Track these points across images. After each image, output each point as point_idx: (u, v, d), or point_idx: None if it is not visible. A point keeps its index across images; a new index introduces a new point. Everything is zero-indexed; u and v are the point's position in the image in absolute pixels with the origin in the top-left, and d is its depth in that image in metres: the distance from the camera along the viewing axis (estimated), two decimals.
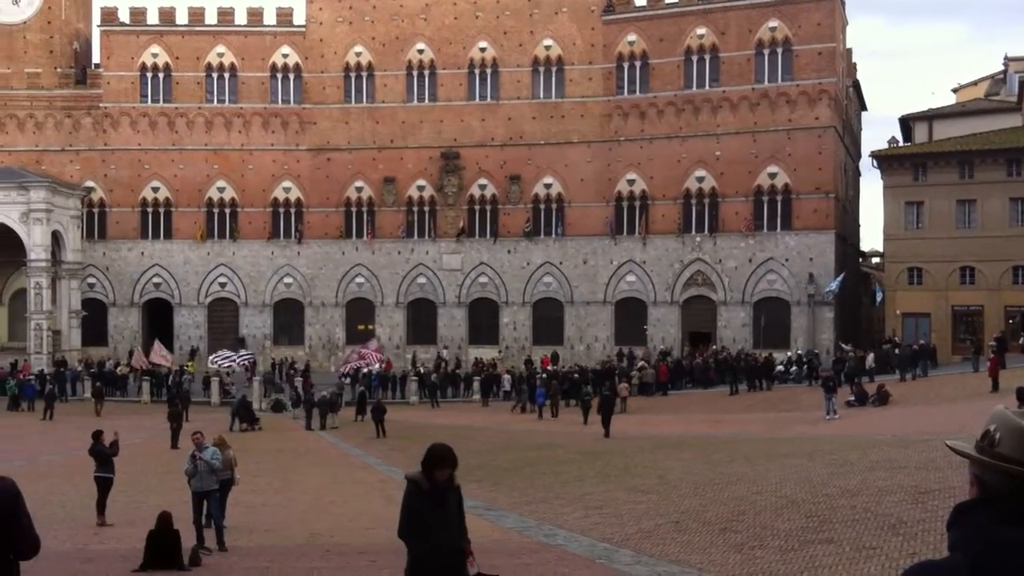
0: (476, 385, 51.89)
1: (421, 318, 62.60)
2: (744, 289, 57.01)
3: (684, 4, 58.33)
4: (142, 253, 63.23)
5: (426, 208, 62.09)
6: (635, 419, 38.71)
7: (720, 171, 57.31)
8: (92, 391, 48.61)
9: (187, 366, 57.30)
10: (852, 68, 64.31)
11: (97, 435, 19.12)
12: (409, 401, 51.24)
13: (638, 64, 59.09)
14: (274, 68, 62.71)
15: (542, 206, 60.84)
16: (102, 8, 63.59)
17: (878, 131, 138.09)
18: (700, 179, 57.81)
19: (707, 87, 57.71)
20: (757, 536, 13.90)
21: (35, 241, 56.20)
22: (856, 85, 66.61)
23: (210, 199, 63.02)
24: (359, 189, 62.41)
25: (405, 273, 62.15)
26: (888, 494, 15.69)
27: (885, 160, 55.38)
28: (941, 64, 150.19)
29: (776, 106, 56.33)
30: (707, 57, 57.70)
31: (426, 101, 61.93)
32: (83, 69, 64.49)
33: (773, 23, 56.11)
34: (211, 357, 54.09)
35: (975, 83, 68.63)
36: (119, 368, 56.46)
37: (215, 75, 62.90)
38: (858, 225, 71.64)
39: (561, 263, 60.41)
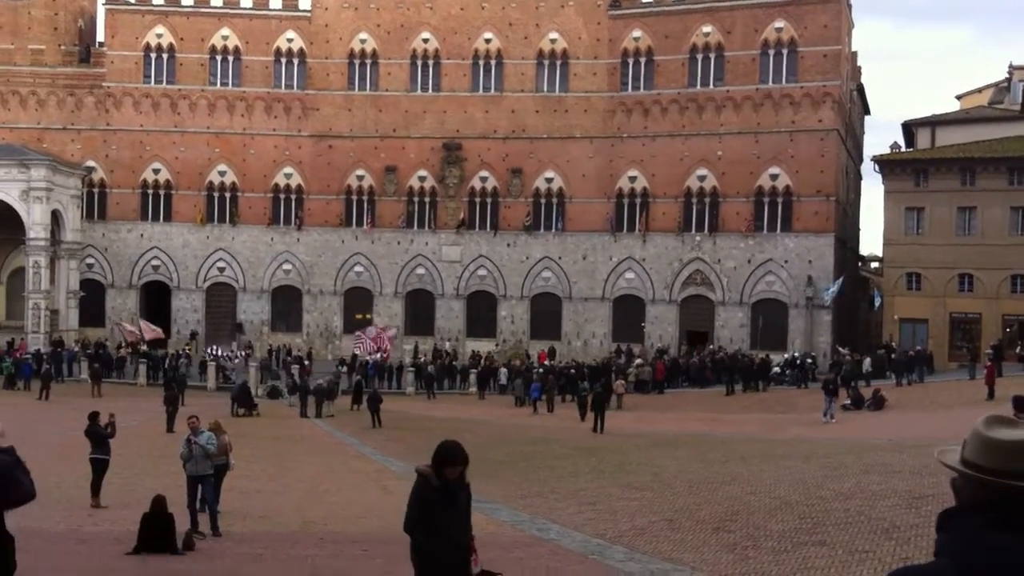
0: (473, 378, 51.89)
1: (419, 309, 62.58)
2: (742, 290, 57.05)
3: (691, 2, 58.24)
4: (141, 235, 63.16)
5: (427, 199, 62.03)
6: (631, 416, 38.77)
7: (722, 171, 57.30)
8: (90, 372, 48.61)
9: (186, 348, 57.30)
10: (857, 71, 64.25)
11: (94, 416, 19.13)
12: (405, 392, 51.25)
13: (643, 60, 59.04)
14: (278, 53, 62.59)
15: (543, 200, 60.81)
16: None
17: (881, 135, 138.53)
18: (702, 178, 57.81)
19: (711, 86, 57.65)
20: (750, 536, 13.92)
21: (35, 220, 56.10)
22: (860, 89, 66.58)
23: (211, 183, 62.94)
24: (360, 177, 62.35)
25: (404, 263, 62.12)
26: (882, 498, 15.72)
27: (887, 165, 55.40)
28: (946, 69, 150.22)
29: (780, 107, 56.30)
30: (712, 56, 57.64)
31: (430, 91, 61.85)
32: (87, 47, 64.31)
33: (779, 23, 56.07)
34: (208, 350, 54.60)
35: (979, 90, 68.61)
36: (121, 349, 56.38)
37: (219, 58, 62.79)
38: (858, 229, 71.70)
39: (560, 258, 60.40)
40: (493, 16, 60.81)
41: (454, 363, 55.93)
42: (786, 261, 56.34)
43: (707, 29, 57.46)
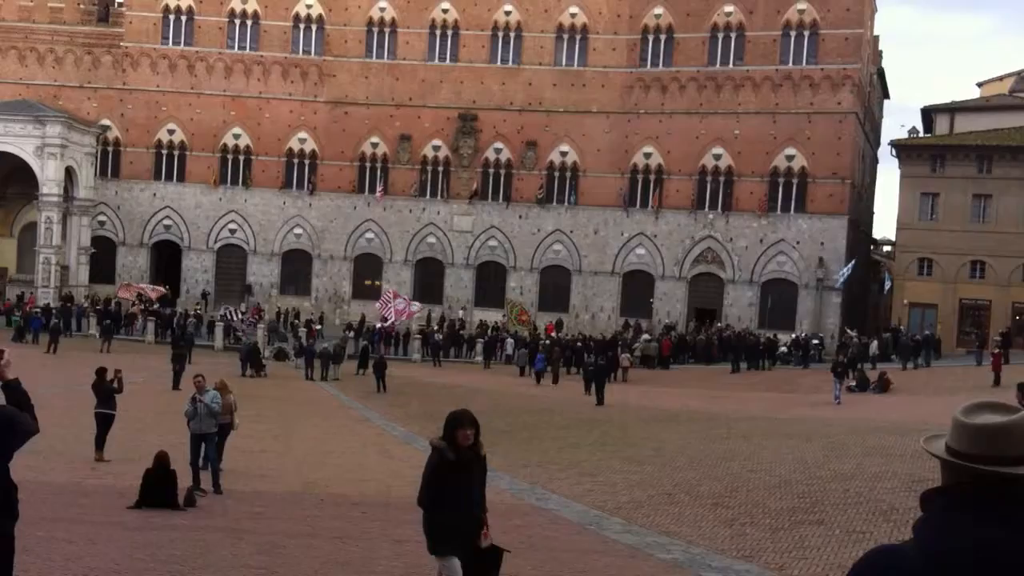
0: (479, 347, 52.00)
1: (428, 277, 62.65)
2: (753, 269, 56.94)
3: None
4: (154, 194, 63.28)
5: (440, 168, 61.94)
6: (636, 390, 38.83)
7: (738, 150, 57.06)
8: (101, 328, 48.91)
9: (196, 308, 57.51)
10: (878, 55, 63.83)
11: (101, 372, 19.26)
12: (412, 358, 51.40)
13: (663, 38, 58.68)
14: (297, 18, 62.40)
15: (556, 173, 60.67)
16: None
17: (899, 120, 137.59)
18: (717, 156, 57.58)
19: (731, 65, 57.31)
20: (748, 513, 13.98)
21: (48, 176, 56.22)
22: (880, 73, 66.15)
23: (225, 145, 62.94)
24: (374, 145, 62.26)
25: (415, 232, 62.12)
26: (882, 480, 15.76)
27: (904, 150, 55.12)
28: (967, 57, 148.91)
29: (799, 88, 55.96)
30: (732, 35, 57.26)
31: (447, 61, 61.60)
32: (106, 7, 64.14)
33: (802, 5, 55.64)
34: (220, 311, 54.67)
35: (1000, 78, 67.97)
36: (133, 306, 56.55)
37: (237, 21, 62.63)
38: (872, 212, 71.42)
39: (572, 231, 60.32)
40: None
41: (461, 332, 56.02)
42: (798, 242, 56.19)
43: (729, 8, 57.04)
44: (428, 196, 61.98)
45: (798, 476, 16.62)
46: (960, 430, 2.54)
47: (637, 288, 59.37)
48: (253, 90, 62.62)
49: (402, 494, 16.50)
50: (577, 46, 60.20)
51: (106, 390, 18.94)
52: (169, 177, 63.27)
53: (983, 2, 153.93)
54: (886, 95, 72.73)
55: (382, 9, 61.77)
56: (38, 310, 51.42)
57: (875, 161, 69.92)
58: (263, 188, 62.88)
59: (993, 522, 2.40)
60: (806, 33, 55.93)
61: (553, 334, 54.37)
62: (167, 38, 62.71)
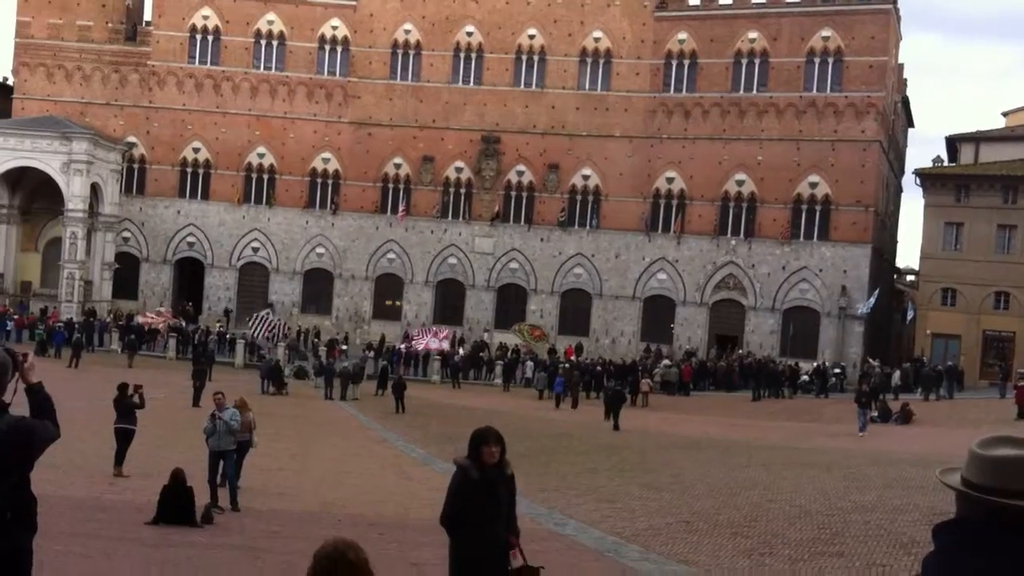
0: (499, 369, 51.94)
1: (449, 299, 62.71)
2: (775, 296, 56.70)
3: (737, 6, 57.91)
4: (178, 212, 63.70)
5: (462, 190, 62.09)
6: (655, 416, 38.66)
7: (761, 176, 56.95)
8: (125, 343, 49.22)
9: (218, 324, 57.73)
10: (902, 83, 63.68)
11: (123, 387, 19.31)
12: (431, 380, 51.40)
13: (687, 63, 58.75)
14: (322, 39, 62.86)
15: (578, 197, 60.71)
16: None
17: (924, 149, 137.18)
18: (740, 183, 57.48)
19: (754, 91, 57.29)
20: (767, 543, 13.84)
21: (74, 191, 56.67)
22: (905, 101, 65.96)
23: (249, 164, 63.36)
24: (397, 166, 62.51)
25: (437, 253, 62.25)
26: (903, 513, 15.59)
27: (928, 179, 54.86)
28: (992, 86, 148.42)
29: (823, 116, 55.87)
30: (756, 61, 57.27)
31: (471, 84, 61.86)
32: (134, 26, 64.87)
33: (826, 32, 55.62)
34: (250, 324, 54.76)
35: None
36: (146, 319, 56.78)
37: (263, 42, 63.15)
38: (895, 241, 71.06)
39: (593, 255, 60.29)
40: (538, 12, 60.72)
41: (481, 354, 56.02)
42: (821, 270, 55.93)
43: (753, 35, 57.09)
44: (450, 217, 62.11)
45: (818, 507, 16.46)
46: (976, 462, 2.51)
47: (658, 313, 59.21)
48: (278, 110, 63.05)
49: (420, 516, 16.46)
50: (600, 70, 60.34)
51: (127, 405, 18.99)
52: (193, 195, 63.70)
53: (1009, 32, 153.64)
54: (910, 123, 72.50)
55: (407, 31, 62.15)
56: (61, 324, 51.74)
57: (899, 190, 69.63)
58: (286, 207, 63.21)
59: (997, 555, 2.37)
60: (830, 60, 55.88)
61: (573, 358, 54.30)
62: (193, 57, 63.30)
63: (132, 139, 62.98)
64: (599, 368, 49.28)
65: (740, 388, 49.86)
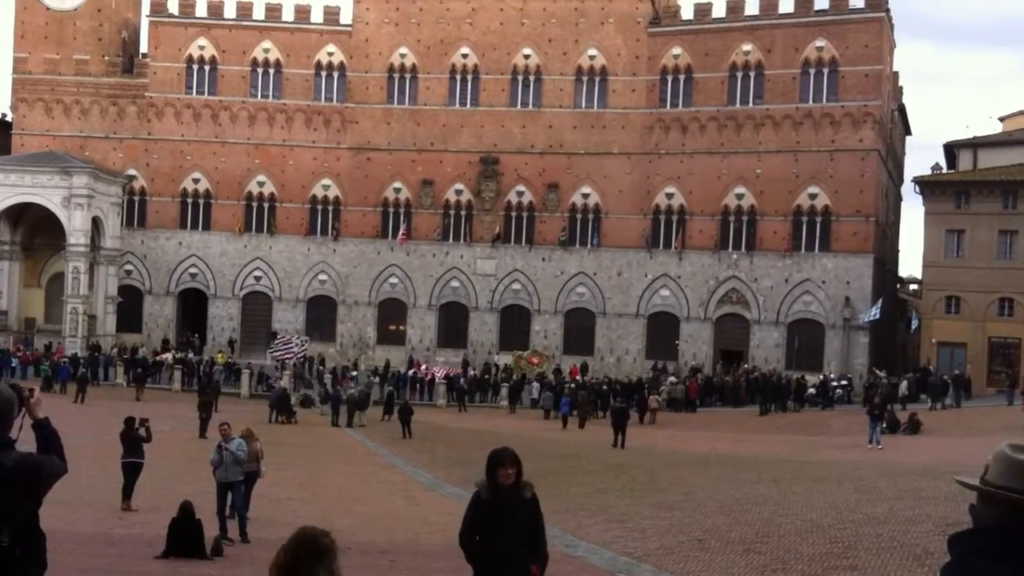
0: (504, 391, 51.84)
1: (453, 321, 62.67)
2: (779, 309, 56.61)
3: (731, 20, 58.09)
4: (180, 243, 63.79)
5: (463, 212, 62.16)
6: (663, 434, 38.54)
7: (760, 189, 56.98)
8: (133, 377, 49.29)
9: (218, 357, 57.71)
10: (898, 92, 63.79)
11: (130, 421, 19.26)
12: (437, 404, 51.29)
13: (682, 78, 58.90)
14: (319, 66, 63.09)
15: (579, 215, 60.75)
16: None
17: (922, 156, 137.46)
18: (739, 196, 57.51)
19: (751, 104, 57.39)
20: (780, 559, 13.75)
21: (75, 226, 56.78)
22: (901, 109, 66.06)
23: (249, 193, 63.48)
24: (397, 190, 62.62)
25: (439, 276, 62.26)
26: (915, 524, 15.49)
27: (928, 186, 54.87)
28: (988, 92, 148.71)
29: (820, 126, 55.93)
30: (752, 74, 57.39)
31: (468, 105, 62.04)
32: (130, 58, 65.20)
33: (820, 42, 55.75)
34: (273, 346, 54.92)
35: (1023, 112, 67.77)
36: (160, 356, 56.89)
37: (260, 70, 63.39)
38: (897, 250, 71.02)
39: (595, 274, 60.27)
40: (532, 32, 60.95)
41: (486, 376, 55.93)
42: (824, 281, 55.86)
43: (747, 47, 57.23)
44: (451, 240, 62.16)
45: (830, 520, 16.37)
46: (1008, 465, 2.49)
47: (662, 330, 59.12)
48: (277, 138, 63.23)
49: (429, 541, 16.39)
50: (596, 88, 60.50)
51: (133, 439, 18.94)
52: (195, 225, 63.79)
53: (1002, 38, 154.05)
54: (908, 132, 72.57)
55: (402, 55, 62.38)
56: (66, 359, 51.73)
57: (899, 198, 69.65)
58: (287, 235, 63.29)
59: (1009, 561, 2.34)
60: (825, 71, 56.00)
61: (578, 377, 54.21)
62: (191, 88, 63.53)
63: (132, 171, 63.16)
64: (605, 387, 49.13)
65: (747, 403, 49.72)
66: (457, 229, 62.21)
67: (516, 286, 61.50)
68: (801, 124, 56.28)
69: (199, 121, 63.46)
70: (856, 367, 54.71)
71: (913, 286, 77.96)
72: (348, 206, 63.04)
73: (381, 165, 62.59)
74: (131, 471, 18.66)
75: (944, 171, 58.92)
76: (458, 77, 62.10)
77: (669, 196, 58.97)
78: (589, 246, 60.52)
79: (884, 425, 35.72)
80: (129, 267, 63.32)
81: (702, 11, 59.03)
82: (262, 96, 63.41)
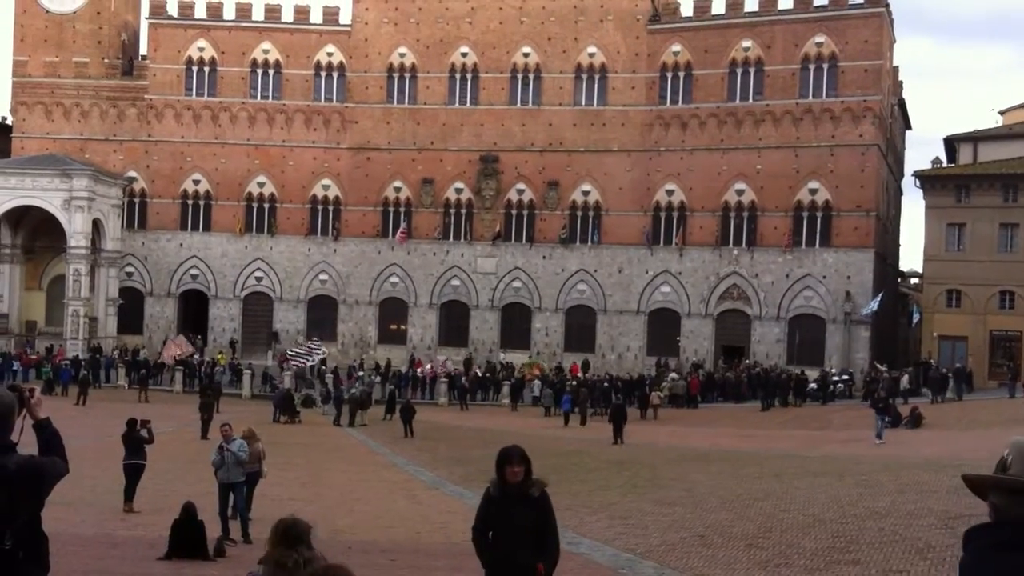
0: (506, 389, 51.86)
1: (453, 320, 62.68)
2: (780, 304, 56.60)
3: (730, 16, 58.05)
4: (181, 244, 63.82)
5: (463, 211, 62.18)
6: (665, 430, 38.54)
7: (760, 185, 56.96)
8: (137, 379, 49.37)
9: (218, 357, 57.74)
10: (898, 86, 63.73)
11: (132, 423, 19.26)
12: (438, 402, 51.31)
13: (682, 75, 58.88)
14: (318, 66, 63.10)
15: (579, 213, 60.75)
16: (151, 1, 64.27)
17: (922, 151, 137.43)
18: (740, 192, 57.49)
19: (751, 100, 57.37)
20: (783, 554, 13.76)
21: (76, 228, 56.81)
22: (902, 104, 66.00)
23: (250, 194, 63.51)
24: (397, 189, 62.64)
25: (439, 275, 62.27)
26: (917, 518, 15.50)
27: (928, 180, 54.84)
28: (988, 86, 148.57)
29: (820, 122, 55.89)
30: (752, 70, 57.36)
31: (467, 104, 62.05)
32: (130, 60, 65.26)
33: (820, 38, 55.71)
34: (289, 351, 54.99)
35: (1022, 106, 67.71)
36: (159, 360, 56.94)
37: (260, 71, 63.40)
38: (898, 245, 71.00)
39: (596, 271, 60.27)
40: (532, 31, 60.94)
41: (488, 374, 55.94)
42: (824, 276, 55.85)
43: (747, 44, 57.20)
44: (452, 239, 62.18)
45: (832, 515, 16.37)
46: None
47: (663, 326, 59.12)
48: (276, 138, 63.26)
49: (431, 540, 16.41)
50: (596, 86, 60.49)
51: (135, 440, 18.95)
52: (195, 227, 63.82)
53: (1001, 31, 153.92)
54: (908, 126, 72.53)
55: (402, 55, 62.38)
56: (67, 362, 51.76)
57: (899, 193, 69.61)
58: (288, 235, 63.33)
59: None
60: (825, 66, 55.95)
61: (579, 375, 54.19)
62: (191, 89, 63.55)
63: (132, 173, 63.20)
64: (606, 384, 49.15)
65: (748, 399, 49.73)
66: (457, 228, 62.23)
67: (517, 284, 61.51)
68: (801, 120, 56.26)
69: (199, 122, 63.49)
70: (857, 361, 54.69)
71: (914, 280, 77.93)
72: (348, 206, 63.07)
73: (381, 164, 62.60)
74: (133, 473, 18.66)
75: (944, 165, 58.87)
76: (458, 76, 62.10)
77: (669, 193, 58.96)
78: (590, 243, 60.52)
79: (889, 419, 35.75)
80: (130, 269, 63.36)
81: (701, 8, 58.99)
82: (262, 97, 63.44)
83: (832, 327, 55.65)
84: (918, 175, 55.78)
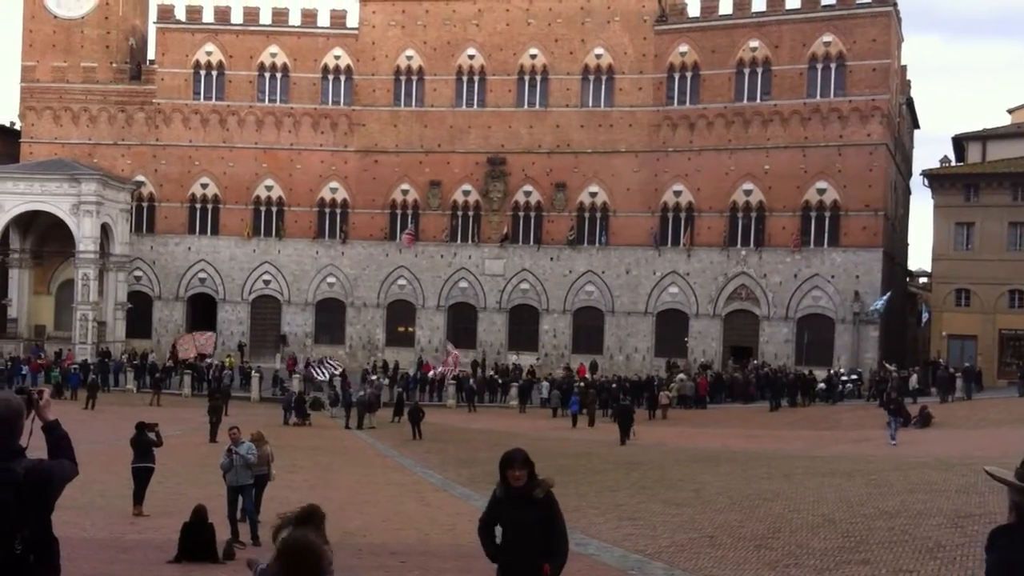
0: (514, 391, 51.84)
1: (461, 322, 62.71)
2: (788, 305, 56.51)
3: (737, 16, 57.99)
4: (189, 248, 63.97)
5: (470, 213, 62.23)
6: (673, 431, 38.50)
7: (768, 185, 56.88)
8: (150, 383, 49.53)
9: (227, 361, 57.85)
10: (906, 85, 63.59)
11: (141, 426, 19.29)
12: (446, 404, 51.32)
13: (689, 75, 58.83)
14: (325, 69, 63.22)
15: (586, 214, 60.74)
16: (158, 5, 64.51)
17: (931, 150, 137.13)
18: (748, 192, 57.41)
19: (758, 100, 57.29)
20: (792, 554, 13.73)
21: (84, 233, 56.94)
22: (910, 102, 65.86)
23: (258, 197, 63.64)
24: (405, 192, 62.70)
25: (447, 277, 62.32)
26: (927, 517, 15.45)
27: (936, 179, 54.69)
28: (997, 84, 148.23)
29: (827, 121, 55.80)
30: (759, 70, 57.30)
31: (475, 106, 62.09)
32: (138, 65, 65.46)
33: (827, 38, 55.61)
34: (310, 363, 55.22)
35: None
36: (168, 362, 57.13)
37: (267, 75, 63.53)
38: (906, 244, 70.80)
39: (603, 272, 60.25)
40: (539, 32, 60.96)
41: (495, 376, 55.93)
42: (833, 276, 55.74)
43: (754, 44, 57.14)
44: (459, 241, 62.24)
45: (841, 515, 16.33)
46: None
47: (671, 327, 59.06)
48: (284, 142, 63.38)
49: (440, 542, 16.41)
50: (603, 87, 60.49)
51: (144, 444, 18.97)
52: (203, 231, 63.98)
53: (1010, 29, 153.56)
54: (916, 125, 72.36)
55: (409, 57, 62.46)
56: (76, 366, 51.87)
57: (907, 192, 69.45)
58: (296, 238, 63.44)
59: None
60: (833, 65, 55.84)
61: (587, 376, 54.17)
62: (198, 93, 63.71)
63: (140, 178, 63.38)
64: (614, 385, 49.11)
65: (757, 399, 49.66)
66: (465, 230, 62.29)
67: (524, 286, 61.52)
68: (809, 119, 56.17)
69: (207, 126, 63.64)
70: (866, 361, 54.55)
71: (923, 280, 77.71)
72: (356, 208, 63.16)
73: (388, 167, 62.69)
74: (142, 476, 18.69)
75: (953, 164, 58.73)
76: (465, 78, 62.15)
77: (677, 193, 58.91)
78: (597, 245, 60.50)
79: (901, 419, 35.63)
80: (138, 273, 63.52)
81: (709, 8, 58.94)
82: (269, 100, 63.58)
83: (841, 327, 55.53)
84: (926, 174, 55.62)
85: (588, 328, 60.83)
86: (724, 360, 57.73)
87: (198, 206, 63.99)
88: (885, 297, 53.76)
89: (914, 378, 46.53)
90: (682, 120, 58.80)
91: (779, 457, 26.89)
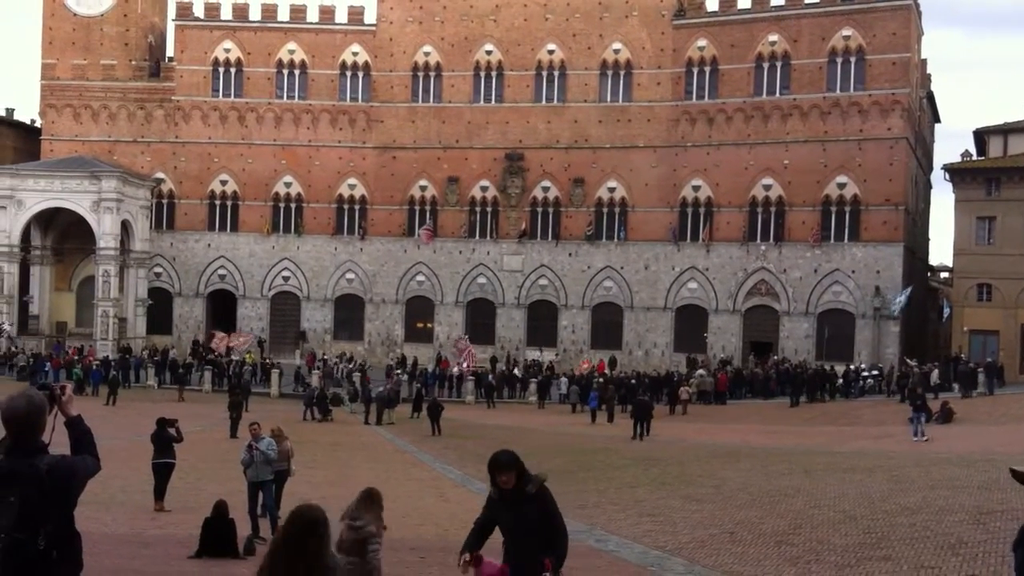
0: (533, 387, 51.82)
1: (480, 318, 62.72)
2: (808, 300, 56.25)
3: (756, 10, 57.72)
4: (208, 245, 64.22)
5: (488, 208, 62.22)
6: (693, 427, 38.40)
7: (788, 180, 56.63)
8: (174, 379, 49.84)
9: (247, 357, 58.03)
10: (927, 79, 63.17)
11: (162, 422, 19.37)
12: (465, 400, 51.34)
13: (707, 70, 58.63)
14: (344, 66, 63.31)
15: (605, 210, 60.64)
16: (177, 2, 64.72)
17: (951, 144, 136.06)
18: (767, 187, 57.18)
19: (777, 94, 57.03)
20: (813, 550, 13.67)
21: (105, 230, 57.25)
22: (930, 96, 65.43)
23: (277, 194, 63.82)
24: (423, 188, 62.75)
25: (465, 273, 62.34)
26: (949, 513, 15.36)
27: (957, 174, 54.30)
28: (1019, 78, 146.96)
29: (847, 115, 55.50)
30: (778, 64, 57.02)
31: (492, 102, 62.05)
32: (157, 62, 65.73)
33: (847, 31, 55.31)
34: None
35: None
36: (188, 358, 57.38)
37: (286, 72, 63.68)
38: (927, 239, 70.39)
39: (622, 268, 60.14)
40: (557, 27, 60.86)
41: (514, 372, 55.92)
42: (853, 271, 55.45)
43: (773, 38, 56.88)
44: (477, 237, 62.25)
45: (863, 511, 16.26)
46: None
47: (690, 323, 58.91)
48: (303, 138, 63.52)
49: (459, 537, 16.33)
50: (621, 82, 60.33)
51: (165, 439, 19.04)
52: (223, 227, 64.21)
53: None
54: (937, 119, 71.90)
55: (427, 53, 62.47)
56: (97, 363, 52.15)
57: (928, 186, 69.01)
58: (315, 235, 63.60)
59: None
60: (852, 59, 55.54)
61: (605, 371, 54.07)
62: (217, 90, 63.92)
63: (160, 175, 63.64)
64: (633, 381, 49.02)
65: (777, 395, 49.47)
66: (483, 226, 62.28)
67: (543, 281, 61.47)
68: (829, 113, 55.89)
69: (226, 123, 63.86)
70: (887, 357, 54.25)
71: (944, 274, 77.25)
72: (374, 205, 63.26)
73: (407, 163, 62.74)
74: (162, 472, 18.77)
75: (974, 158, 58.30)
76: (482, 74, 62.12)
77: (696, 188, 58.73)
78: (616, 240, 60.39)
79: (924, 415, 35.38)
80: (159, 269, 63.83)
81: (727, 2, 58.72)
82: (288, 97, 63.73)
83: (861, 322, 55.25)
84: (947, 168, 55.24)
85: (607, 324, 60.75)
86: (744, 356, 57.54)
87: (217, 203, 64.22)
88: (906, 292, 53.45)
89: (935, 374, 46.25)
90: (701, 115, 58.59)
91: (799, 453, 26.79)
